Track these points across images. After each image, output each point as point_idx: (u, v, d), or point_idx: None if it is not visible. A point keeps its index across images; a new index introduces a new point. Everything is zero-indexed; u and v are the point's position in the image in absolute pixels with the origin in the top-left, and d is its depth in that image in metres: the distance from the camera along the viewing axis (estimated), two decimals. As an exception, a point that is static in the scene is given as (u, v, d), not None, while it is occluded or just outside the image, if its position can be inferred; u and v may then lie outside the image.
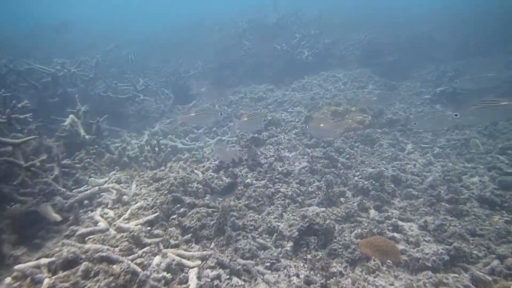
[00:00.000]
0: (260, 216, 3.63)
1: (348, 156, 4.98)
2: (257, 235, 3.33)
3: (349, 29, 12.70)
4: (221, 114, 4.50)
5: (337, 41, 10.52)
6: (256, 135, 5.47)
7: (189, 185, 3.98)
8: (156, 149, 5.40)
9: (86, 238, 2.85)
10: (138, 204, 3.39)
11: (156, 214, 3.23)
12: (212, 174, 4.47)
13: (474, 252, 2.78)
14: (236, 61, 10.42)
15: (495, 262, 2.64)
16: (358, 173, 4.47)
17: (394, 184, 4.07)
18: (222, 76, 10.22)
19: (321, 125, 4.16)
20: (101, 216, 3.23)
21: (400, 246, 3.04)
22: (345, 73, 9.32)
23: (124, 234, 2.90)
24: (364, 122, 5.94)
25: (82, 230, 2.91)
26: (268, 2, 11.53)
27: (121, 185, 4.00)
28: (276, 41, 10.24)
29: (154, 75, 10.44)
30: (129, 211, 3.26)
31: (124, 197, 3.55)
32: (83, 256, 2.44)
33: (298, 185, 4.18)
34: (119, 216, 3.23)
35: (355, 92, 7.99)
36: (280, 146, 5.20)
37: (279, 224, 3.40)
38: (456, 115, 3.20)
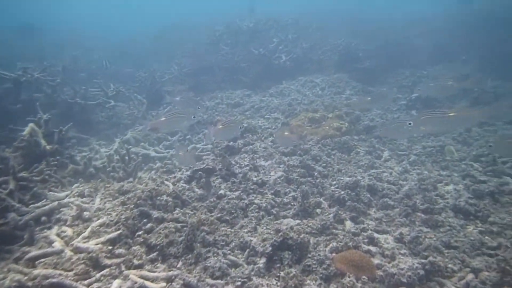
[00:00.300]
0: (233, 230, 3.48)
1: (325, 164, 4.92)
2: (229, 251, 3.17)
3: (327, 33, 12.79)
4: (194, 117, 4.32)
5: (315, 45, 10.56)
6: (231, 143, 5.32)
7: (158, 198, 3.79)
8: (126, 158, 5.16)
9: (37, 262, 2.61)
10: (100, 221, 3.17)
11: (119, 232, 3.02)
12: (184, 185, 4.29)
13: (449, 265, 2.73)
14: (213, 66, 10.26)
15: (470, 277, 2.59)
16: (334, 182, 4.40)
17: (370, 194, 4.02)
18: (199, 81, 10.03)
19: (285, 133, 4.11)
20: (58, 235, 2.99)
21: (376, 260, 2.96)
22: (323, 78, 9.33)
23: (82, 255, 2.68)
24: (341, 129, 5.91)
25: (33, 252, 2.66)
26: (245, 6, 11.44)
27: (84, 199, 3.75)
28: (253, 45, 10.17)
29: (127, 80, 10.11)
30: (89, 229, 3.03)
31: (85, 213, 3.31)
32: (30, 284, 2.21)
33: (273, 196, 4.06)
34: (78, 235, 3.00)
35: (332, 98, 7.99)
36: (255, 155, 5.08)
37: (252, 238, 3.26)
38: (410, 123, 3.22)
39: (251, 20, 11.19)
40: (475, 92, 7.90)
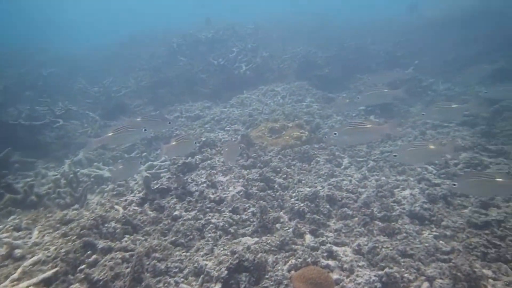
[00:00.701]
0: (188, 254, 3.30)
1: (285, 175, 4.86)
2: (182, 279, 2.99)
3: (286, 42, 12.99)
4: (145, 130, 4.10)
5: (275, 54, 10.64)
6: (188, 159, 5.13)
7: (106, 225, 3.53)
8: (74, 182, 4.83)
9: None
10: (35, 258, 2.87)
11: (55, 269, 2.74)
12: (136, 208, 4.04)
13: (405, 275, 2.72)
14: (172, 78, 10.03)
15: (425, 285, 2.59)
16: (294, 194, 4.35)
17: (330, 204, 3.99)
18: (157, 94, 9.75)
19: (226, 149, 4.06)
20: (-17, 280, 2.67)
21: (334, 275, 2.90)
22: (283, 86, 9.38)
23: (9, 302, 2.39)
24: (301, 138, 5.91)
25: None
26: (202, 17, 11.33)
27: (19, 233, 3.41)
28: (213, 56, 10.07)
29: (80, 96, 9.63)
30: (20, 269, 2.73)
31: (17, 250, 3.00)
32: None
33: (231, 213, 3.92)
34: (7, 277, 2.69)
35: (293, 106, 8.02)
36: (213, 170, 4.92)
37: (207, 262, 3.10)
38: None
39: (209, 30, 11.10)
40: (429, 96, 8.26)
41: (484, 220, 3.31)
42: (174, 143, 4.02)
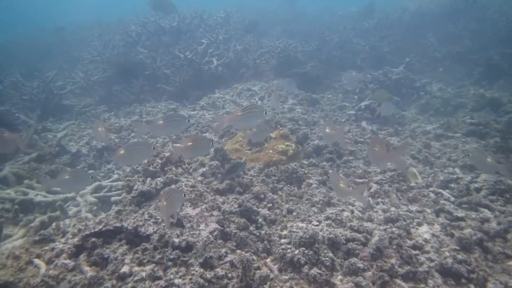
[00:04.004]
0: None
1: (270, 204, 4.00)
2: None
3: (260, 34, 12.08)
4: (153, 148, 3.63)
5: (250, 48, 9.70)
6: (147, 187, 4.09)
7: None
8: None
9: None
10: None
11: None
12: (66, 262, 3.00)
13: None
14: (129, 73, 8.82)
15: None
16: (285, 233, 3.51)
17: (332, 251, 3.17)
18: (111, 92, 8.52)
19: (164, 203, 3.14)
20: None
21: None
22: (261, 85, 8.50)
23: None
24: (287, 152, 5.05)
25: None
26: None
27: None
28: (178, 48, 8.96)
29: (15, 92, 8.19)
30: None
31: None
32: None
33: (203, 267, 2.99)
34: None
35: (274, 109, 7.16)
36: (178, 200, 3.94)
37: None
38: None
39: (173, 18, 9.94)
40: (423, 98, 7.70)
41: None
42: (190, 143, 3.47)
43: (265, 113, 3.86)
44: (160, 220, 3.48)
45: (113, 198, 4.67)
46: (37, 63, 10.89)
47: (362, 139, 5.98)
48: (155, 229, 3.34)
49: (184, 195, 3.20)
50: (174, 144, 5.32)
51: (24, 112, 7.21)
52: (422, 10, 12.70)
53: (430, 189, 4.28)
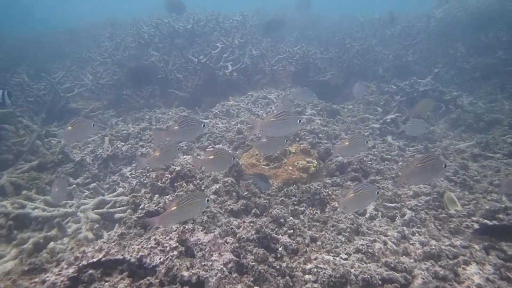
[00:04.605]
0: None
1: (292, 230, 3.58)
2: None
3: (278, 39, 11.71)
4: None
5: (267, 53, 9.31)
6: (154, 206, 3.71)
7: None
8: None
9: None
10: None
11: None
12: (60, 299, 2.62)
13: None
14: (140, 76, 8.51)
15: None
16: (309, 267, 3.08)
17: (368, 295, 2.73)
18: (120, 96, 8.21)
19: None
20: None
21: None
22: (278, 93, 8.10)
23: None
24: (308, 169, 4.63)
25: None
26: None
27: None
28: (192, 52, 8.64)
29: (20, 92, 7.94)
30: None
31: None
32: None
33: (216, 311, 2.58)
34: None
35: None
36: (189, 223, 3.55)
37: None
38: None
39: (188, 20, 9.63)
40: (454, 112, 7.20)
41: None
42: (211, 156, 3.34)
43: (299, 121, 3.48)
44: (167, 247, 3.08)
45: (116, 215, 4.30)
46: (47, 64, 10.70)
47: (389, 156, 5.53)
48: (162, 259, 2.94)
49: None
50: (194, 155, 4.98)
51: (29, 114, 6.94)
52: (449, 18, 12.15)
53: (473, 218, 3.81)
